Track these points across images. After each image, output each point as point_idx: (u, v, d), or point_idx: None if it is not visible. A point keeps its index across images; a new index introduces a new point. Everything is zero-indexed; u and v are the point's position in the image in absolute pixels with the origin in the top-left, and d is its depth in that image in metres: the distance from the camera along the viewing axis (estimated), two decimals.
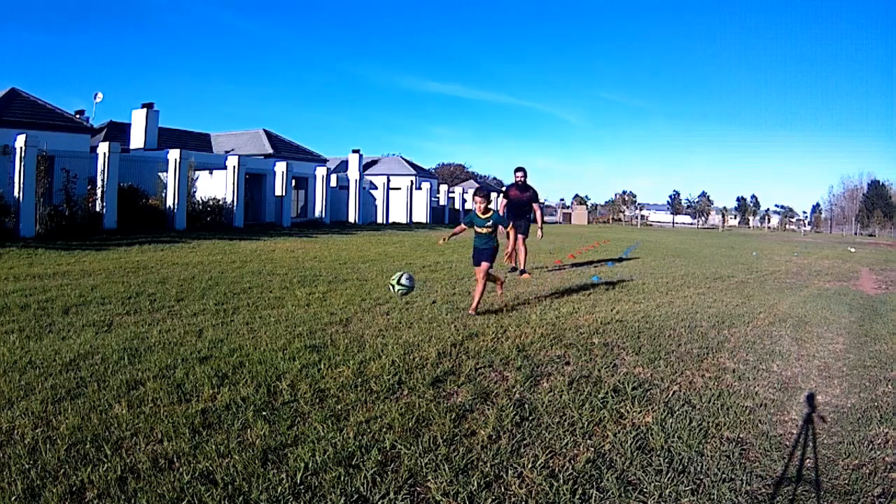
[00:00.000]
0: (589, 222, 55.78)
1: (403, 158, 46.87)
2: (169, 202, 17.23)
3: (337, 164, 34.99)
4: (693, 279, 9.44)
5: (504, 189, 9.58)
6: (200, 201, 18.77)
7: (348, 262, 9.92)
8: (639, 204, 77.11)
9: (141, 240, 12.84)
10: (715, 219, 72.66)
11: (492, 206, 6.15)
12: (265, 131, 28.74)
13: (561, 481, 2.38)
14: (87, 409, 2.89)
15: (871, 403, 3.56)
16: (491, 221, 5.97)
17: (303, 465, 2.40)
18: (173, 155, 17.27)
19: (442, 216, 33.81)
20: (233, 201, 19.32)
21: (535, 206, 9.46)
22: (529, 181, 9.42)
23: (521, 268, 9.12)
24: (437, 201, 34.85)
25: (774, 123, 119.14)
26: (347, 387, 3.38)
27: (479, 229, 6.03)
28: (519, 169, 9.29)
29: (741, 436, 2.97)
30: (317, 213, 24.11)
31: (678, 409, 3.26)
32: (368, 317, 5.39)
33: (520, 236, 9.14)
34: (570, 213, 59.93)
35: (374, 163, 44.36)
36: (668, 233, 37.87)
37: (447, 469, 2.44)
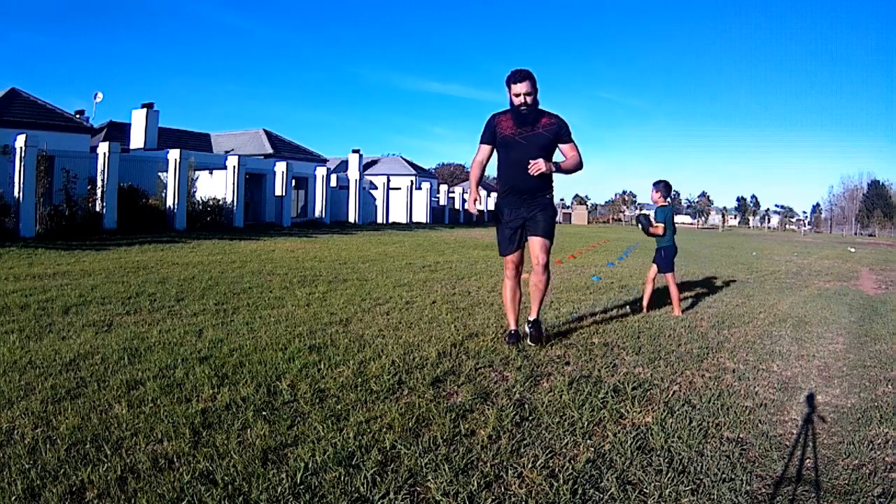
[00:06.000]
0: (589, 222, 55.73)
1: (403, 158, 46.88)
2: (169, 202, 17.24)
3: (337, 164, 35.00)
4: (693, 279, 9.43)
5: (488, 123, 4.28)
6: (200, 201, 18.78)
7: (348, 262, 9.91)
8: (639, 204, 77.15)
9: (141, 240, 12.84)
10: (715, 219, 72.65)
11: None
12: (265, 131, 28.77)
13: (561, 481, 2.38)
14: (87, 409, 2.89)
15: (871, 403, 3.56)
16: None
17: (303, 465, 2.40)
18: (173, 155, 17.28)
19: (442, 216, 33.79)
20: (233, 201, 19.33)
21: (566, 148, 4.29)
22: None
23: (534, 316, 4.43)
24: (437, 201, 34.86)
25: (774, 123, 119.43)
26: (347, 387, 3.38)
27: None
28: (519, 76, 4.10)
29: (741, 436, 2.97)
30: (317, 213, 24.12)
31: (678, 409, 3.26)
32: (368, 317, 5.39)
33: (534, 238, 4.29)
34: (570, 213, 59.91)
35: (374, 163, 44.36)
36: None
37: (447, 469, 2.44)
